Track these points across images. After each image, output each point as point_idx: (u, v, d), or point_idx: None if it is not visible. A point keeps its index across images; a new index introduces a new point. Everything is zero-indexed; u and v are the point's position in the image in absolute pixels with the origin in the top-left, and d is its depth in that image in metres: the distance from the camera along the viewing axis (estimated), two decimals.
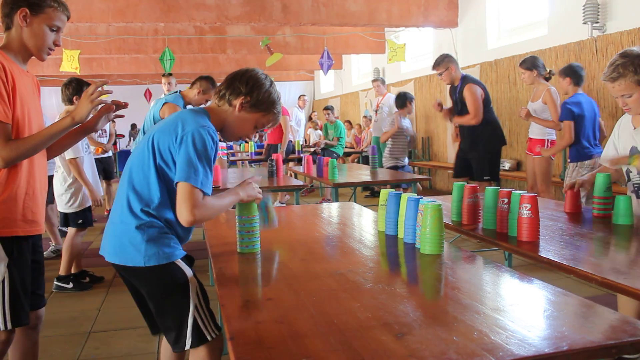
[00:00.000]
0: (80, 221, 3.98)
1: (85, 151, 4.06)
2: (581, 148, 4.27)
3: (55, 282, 4.04)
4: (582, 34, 5.63)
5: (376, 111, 7.71)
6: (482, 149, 4.84)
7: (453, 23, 8.18)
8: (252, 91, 1.79)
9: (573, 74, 4.38)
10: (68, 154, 3.85)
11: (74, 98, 3.96)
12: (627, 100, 2.31)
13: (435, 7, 8.07)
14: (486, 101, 4.87)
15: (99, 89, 1.91)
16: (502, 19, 7.46)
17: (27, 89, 1.91)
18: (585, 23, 5.48)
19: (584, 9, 5.46)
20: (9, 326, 1.81)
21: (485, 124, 4.81)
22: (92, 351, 2.94)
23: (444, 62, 4.93)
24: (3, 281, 1.78)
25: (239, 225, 1.86)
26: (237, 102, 1.80)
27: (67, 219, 4.03)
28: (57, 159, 4.05)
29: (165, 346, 1.92)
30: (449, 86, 5.13)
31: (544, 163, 4.84)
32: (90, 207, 4.06)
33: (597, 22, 5.43)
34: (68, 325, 3.32)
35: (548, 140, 4.85)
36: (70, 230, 4.02)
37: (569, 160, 4.46)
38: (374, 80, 7.95)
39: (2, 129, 1.75)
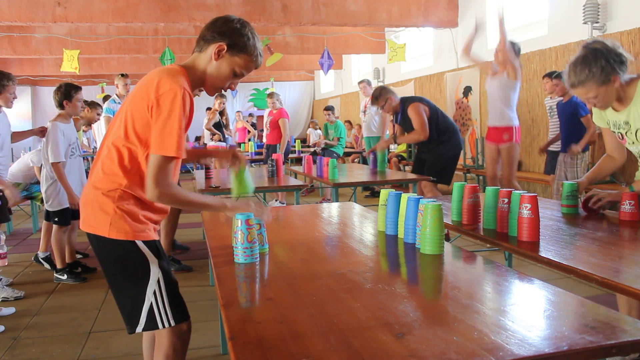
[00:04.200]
0: (56, 219, 4.16)
1: (71, 155, 4.16)
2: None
3: (54, 275, 4.30)
4: (582, 34, 5.63)
5: (364, 112, 7.76)
6: (436, 153, 4.96)
7: (453, 23, 8.18)
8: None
9: None
10: (50, 157, 3.98)
11: (64, 102, 4.11)
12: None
13: (435, 7, 8.07)
14: (435, 113, 4.96)
15: (263, 220, 1.84)
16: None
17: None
18: (585, 23, 5.48)
19: (584, 9, 5.46)
20: (172, 323, 1.80)
21: (441, 132, 4.93)
22: (92, 351, 2.94)
23: (382, 95, 5.05)
24: (159, 281, 1.78)
25: (240, 237, 1.75)
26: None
27: (48, 216, 4.26)
28: (42, 158, 4.23)
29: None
30: (391, 115, 5.33)
31: (512, 151, 4.88)
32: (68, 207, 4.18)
33: (597, 22, 5.44)
34: (68, 325, 3.32)
35: (515, 127, 4.83)
36: (54, 227, 4.22)
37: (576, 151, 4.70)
38: (360, 82, 7.98)
39: (170, 164, 1.68)
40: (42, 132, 4.11)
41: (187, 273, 4.34)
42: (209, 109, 10.57)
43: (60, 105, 4.12)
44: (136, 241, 1.76)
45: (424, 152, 5.07)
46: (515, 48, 4.76)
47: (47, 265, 4.56)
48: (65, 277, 4.22)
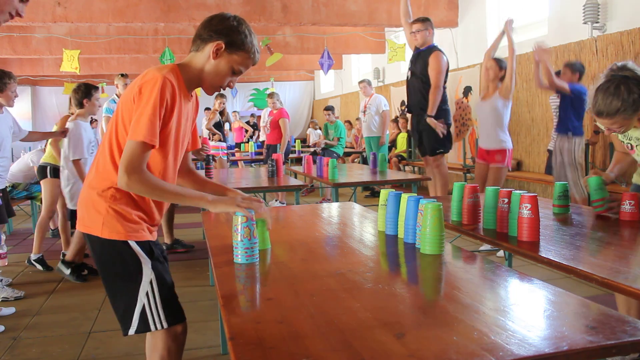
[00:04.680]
0: None
1: (90, 153, 4.21)
2: (580, 126, 4.68)
3: (58, 265, 4.29)
4: (582, 34, 5.63)
5: (364, 112, 7.77)
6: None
7: (453, 23, 8.18)
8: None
9: (580, 72, 4.73)
10: (72, 155, 4.03)
11: (84, 101, 4.18)
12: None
13: (435, 7, 8.07)
14: (446, 77, 4.96)
15: (251, 212, 1.76)
16: (502, 19, 7.45)
17: (186, 115, 1.84)
18: (585, 23, 5.48)
19: (584, 9, 5.46)
20: (165, 325, 1.78)
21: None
22: (92, 351, 2.94)
23: (427, 21, 5.04)
24: (151, 282, 1.76)
25: (241, 235, 1.74)
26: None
27: (73, 215, 4.29)
28: (62, 159, 4.26)
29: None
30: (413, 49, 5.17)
31: (501, 174, 4.75)
32: None
33: (597, 22, 5.43)
34: (68, 325, 3.32)
35: (508, 150, 4.71)
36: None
37: (571, 133, 4.64)
38: (360, 82, 7.98)
39: (143, 151, 1.65)
40: (63, 133, 4.15)
41: (187, 273, 4.34)
42: (207, 109, 10.58)
43: (80, 104, 4.18)
44: (129, 241, 1.75)
45: (418, 129, 5.05)
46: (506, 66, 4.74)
47: (39, 267, 4.53)
48: (69, 272, 4.21)
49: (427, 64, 4.90)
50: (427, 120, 4.89)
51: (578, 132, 4.63)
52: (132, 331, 1.78)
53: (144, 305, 1.76)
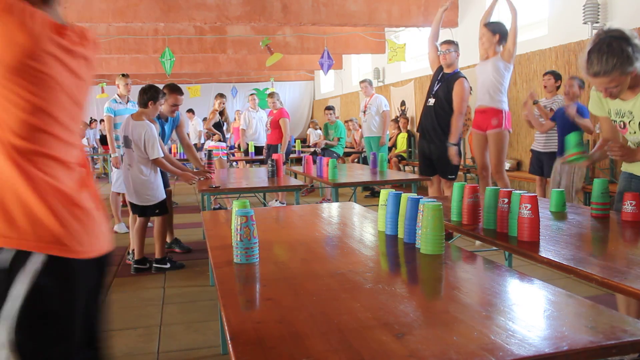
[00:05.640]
0: (156, 210, 4.33)
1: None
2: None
3: (154, 265, 4.38)
4: (582, 34, 5.63)
5: (364, 112, 7.77)
6: (446, 143, 4.76)
7: (453, 23, 8.18)
8: None
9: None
10: (152, 154, 4.17)
11: (149, 103, 4.28)
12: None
13: (435, 7, 8.05)
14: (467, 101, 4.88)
15: None
16: (502, 19, 7.45)
17: None
18: (585, 23, 5.48)
19: (584, 9, 5.46)
20: None
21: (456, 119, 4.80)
22: None
23: (456, 44, 4.93)
24: None
25: (237, 235, 1.75)
26: None
27: (144, 212, 4.36)
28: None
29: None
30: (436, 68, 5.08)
31: (501, 138, 4.55)
32: (165, 199, 4.40)
33: (597, 22, 5.43)
34: None
35: (505, 112, 4.51)
36: (157, 219, 4.37)
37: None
38: (362, 82, 7.98)
39: None
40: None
41: (187, 273, 4.34)
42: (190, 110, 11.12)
43: (145, 105, 4.27)
44: None
45: (430, 148, 4.88)
46: (503, 29, 4.64)
47: None
48: (168, 265, 4.33)
49: (451, 90, 4.77)
50: (450, 148, 4.72)
51: None
52: None
53: None
